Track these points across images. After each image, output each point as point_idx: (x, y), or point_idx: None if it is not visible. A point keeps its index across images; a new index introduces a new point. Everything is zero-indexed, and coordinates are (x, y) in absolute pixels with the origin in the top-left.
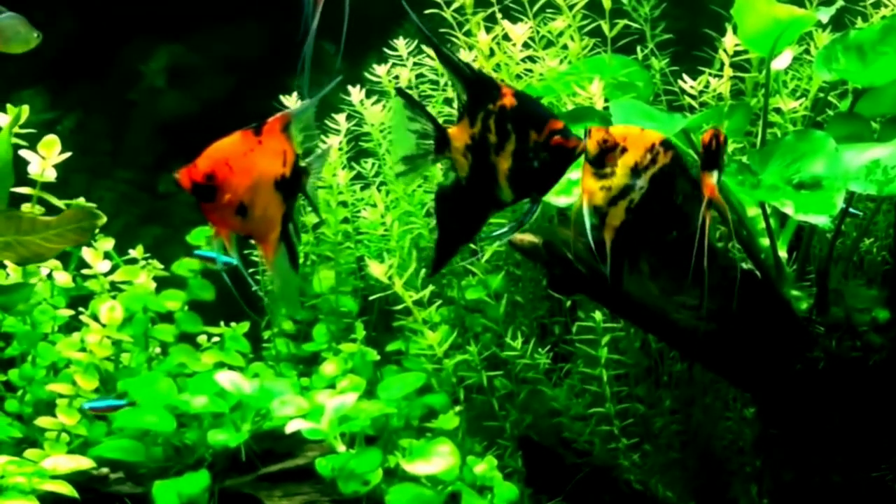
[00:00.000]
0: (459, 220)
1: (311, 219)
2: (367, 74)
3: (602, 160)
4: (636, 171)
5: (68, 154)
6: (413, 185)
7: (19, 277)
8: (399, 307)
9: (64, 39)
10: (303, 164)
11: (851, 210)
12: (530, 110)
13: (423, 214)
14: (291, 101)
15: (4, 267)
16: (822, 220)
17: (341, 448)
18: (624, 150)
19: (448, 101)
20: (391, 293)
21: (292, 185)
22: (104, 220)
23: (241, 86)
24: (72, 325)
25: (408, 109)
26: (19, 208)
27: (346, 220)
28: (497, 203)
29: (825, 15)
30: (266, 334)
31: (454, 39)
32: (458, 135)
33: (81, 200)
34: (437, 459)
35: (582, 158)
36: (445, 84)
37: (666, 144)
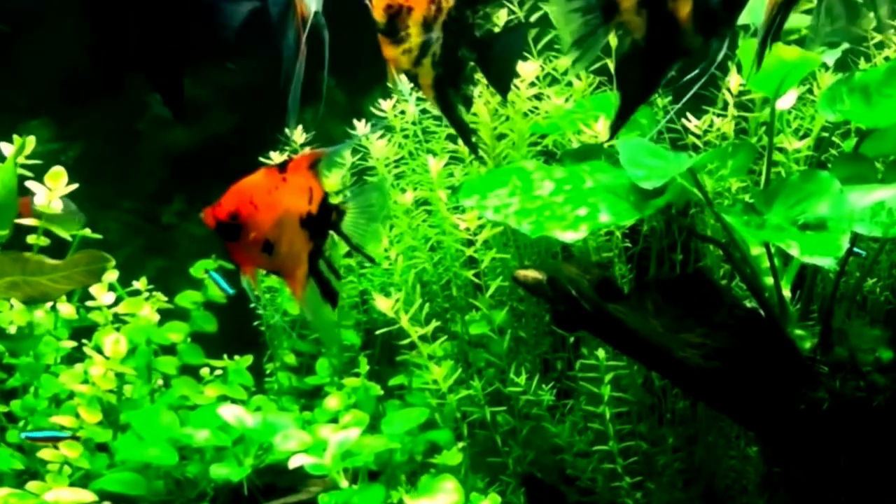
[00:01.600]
0: (642, 82)
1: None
2: (372, 109)
3: (394, 26)
4: (427, 25)
5: (75, 186)
6: (418, 220)
7: (24, 313)
8: (404, 342)
9: (70, 69)
10: (338, 202)
11: (855, 250)
12: None
13: (427, 249)
14: (297, 135)
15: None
16: (827, 262)
17: (344, 483)
18: (410, 9)
19: (452, 137)
20: (396, 327)
21: (320, 223)
22: (112, 262)
23: (246, 118)
24: (74, 357)
25: None
26: (24, 238)
27: (349, 254)
28: (685, 51)
29: (830, 58)
30: (268, 367)
31: None
32: None
33: (87, 231)
34: (441, 496)
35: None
36: None
37: None
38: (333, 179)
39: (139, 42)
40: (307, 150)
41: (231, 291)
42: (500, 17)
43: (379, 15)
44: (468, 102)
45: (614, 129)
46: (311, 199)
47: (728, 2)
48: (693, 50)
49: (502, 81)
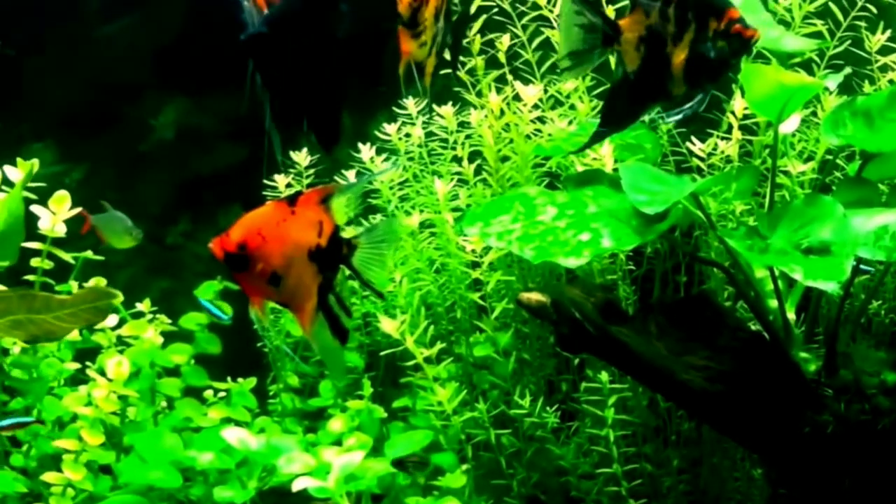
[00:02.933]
0: (622, 113)
1: None
2: (377, 132)
3: (414, 20)
4: (437, 16)
5: (79, 209)
6: (423, 242)
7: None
8: (408, 363)
9: (73, 92)
10: (349, 236)
11: (863, 267)
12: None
13: (433, 271)
14: (302, 158)
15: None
16: (831, 287)
17: None
18: (426, 1)
19: (457, 160)
20: (400, 349)
21: (330, 257)
22: (121, 298)
23: (251, 142)
24: (77, 378)
25: (575, 3)
26: (29, 262)
27: (352, 276)
28: (667, 95)
29: (833, 83)
30: (272, 389)
31: (467, 98)
32: (631, 26)
33: (89, 253)
34: None
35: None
36: (454, 142)
37: None
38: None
39: (307, 89)
40: (332, 184)
41: (225, 317)
42: (504, 43)
43: (404, 9)
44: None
45: (583, 148)
46: (320, 232)
47: (719, 62)
48: (676, 96)
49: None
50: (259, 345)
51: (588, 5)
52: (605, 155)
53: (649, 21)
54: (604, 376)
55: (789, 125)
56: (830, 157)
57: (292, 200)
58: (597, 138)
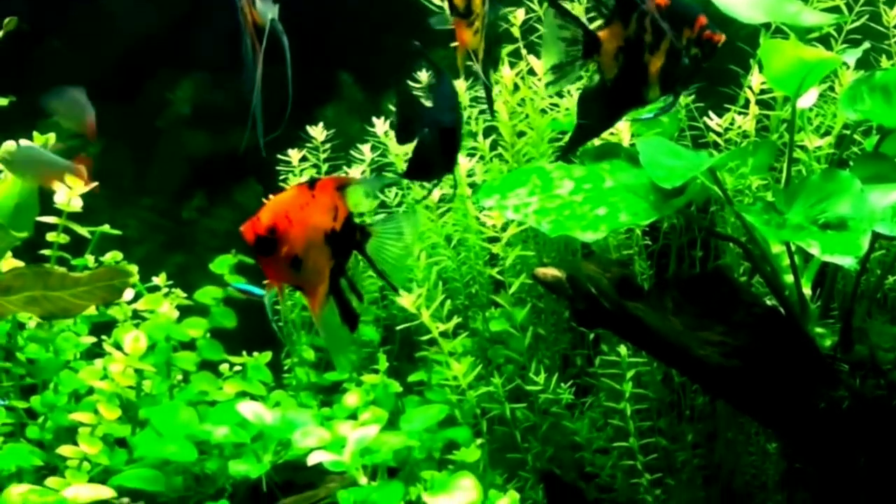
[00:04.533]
0: (599, 118)
1: None
2: (391, 107)
3: (469, 8)
4: (483, 1)
5: (95, 184)
6: (441, 217)
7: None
8: (424, 338)
9: (90, 66)
10: (363, 222)
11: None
12: (683, 8)
13: (451, 246)
14: (318, 132)
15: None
16: (848, 262)
17: (363, 480)
18: None
19: (472, 134)
20: (416, 324)
21: (344, 242)
22: (136, 277)
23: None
24: (93, 352)
25: (559, 18)
26: (45, 237)
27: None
28: (643, 101)
29: (851, 58)
30: (287, 363)
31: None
32: (610, 38)
33: (106, 227)
34: (459, 493)
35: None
36: (469, 117)
37: None
38: (356, 172)
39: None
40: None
41: (263, 293)
42: (518, 17)
43: (460, 1)
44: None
45: (564, 154)
46: (335, 217)
47: (691, 66)
48: (650, 101)
49: None
50: (274, 319)
51: (571, 19)
52: (622, 129)
53: (627, 32)
54: (622, 350)
55: (807, 100)
56: (848, 132)
57: (312, 184)
58: (575, 143)
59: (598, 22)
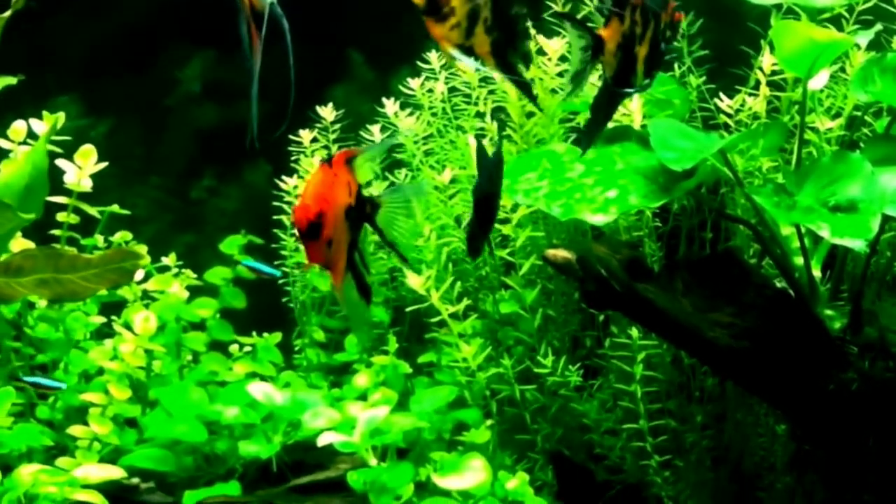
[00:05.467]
0: (605, 112)
1: None
2: (401, 87)
3: (435, 4)
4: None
5: (105, 164)
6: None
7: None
8: (434, 320)
9: (99, 45)
10: (372, 195)
11: None
12: None
13: (461, 227)
14: (328, 112)
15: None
16: (858, 244)
17: (373, 461)
18: None
19: (480, 115)
20: (426, 305)
21: (357, 216)
22: (147, 259)
23: (276, 97)
24: (102, 332)
25: (574, 27)
26: (54, 217)
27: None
28: (631, 88)
29: (864, 39)
30: (297, 343)
31: None
32: (611, 36)
33: (115, 207)
34: (468, 474)
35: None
36: (478, 98)
37: None
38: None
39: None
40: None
41: (277, 273)
42: None
43: None
44: (528, 59)
45: (583, 151)
46: (350, 191)
47: (667, 48)
48: (638, 88)
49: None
50: (285, 300)
51: (581, 26)
52: (633, 111)
53: (623, 28)
54: (634, 332)
55: (818, 81)
56: (859, 114)
57: (330, 163)
58: (589, 140)
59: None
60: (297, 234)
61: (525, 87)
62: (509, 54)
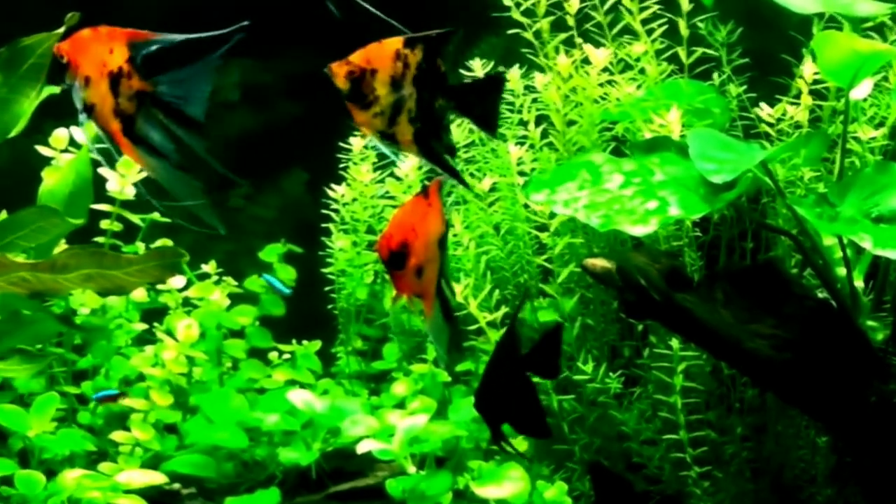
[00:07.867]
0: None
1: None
2: None
3: (359, 91)
4: (396, 83)
5: (145, 174)
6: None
7: (97, 296)
8: (472, 328)
9: None
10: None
11: None
12: None
13: (499, 235)
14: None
15: None
16: None
17: (412, 469)
18: (374, 71)
19: (524, 123)
20: (464, 314)
21: (443, 241)
22: (187, 257)
23: (312, 103)
24: (142, 338)
25: None
26: (96, 225)
27: None
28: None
29: None
30: (339, 351)
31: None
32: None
33: (156, 215)
34: (507, 483)
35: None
36: (521, 105)
37: (409, 42)
38: (408, 163)
39: None
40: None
41: (287, 292)
42: (573, 4)
43: (341, 83)
44: (452, 151)
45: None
46: (443, 219)
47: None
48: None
49: (488, 121)
50: (329, 307)
51: None
52: (672, 121)
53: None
54: (674, 343)
55: (861, 91)
56: None
57: (426, 194)
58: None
59: None
60: (382, 263)
61: (452, 172)
62: (434, 145)
